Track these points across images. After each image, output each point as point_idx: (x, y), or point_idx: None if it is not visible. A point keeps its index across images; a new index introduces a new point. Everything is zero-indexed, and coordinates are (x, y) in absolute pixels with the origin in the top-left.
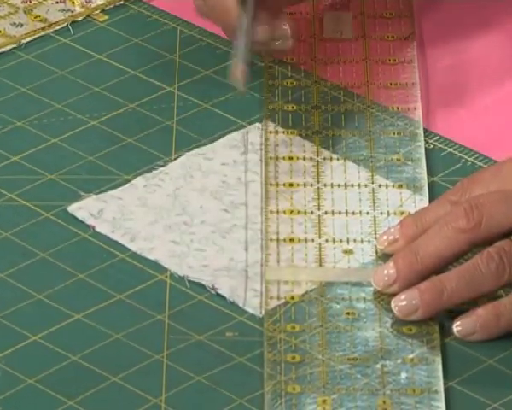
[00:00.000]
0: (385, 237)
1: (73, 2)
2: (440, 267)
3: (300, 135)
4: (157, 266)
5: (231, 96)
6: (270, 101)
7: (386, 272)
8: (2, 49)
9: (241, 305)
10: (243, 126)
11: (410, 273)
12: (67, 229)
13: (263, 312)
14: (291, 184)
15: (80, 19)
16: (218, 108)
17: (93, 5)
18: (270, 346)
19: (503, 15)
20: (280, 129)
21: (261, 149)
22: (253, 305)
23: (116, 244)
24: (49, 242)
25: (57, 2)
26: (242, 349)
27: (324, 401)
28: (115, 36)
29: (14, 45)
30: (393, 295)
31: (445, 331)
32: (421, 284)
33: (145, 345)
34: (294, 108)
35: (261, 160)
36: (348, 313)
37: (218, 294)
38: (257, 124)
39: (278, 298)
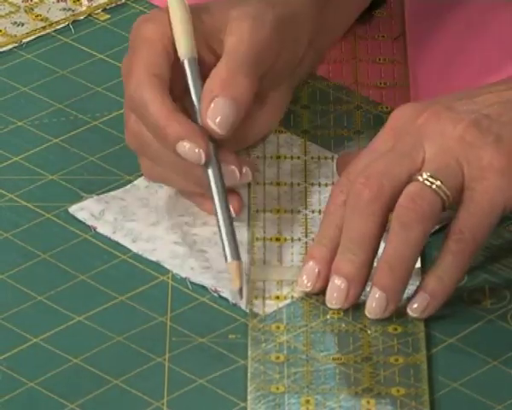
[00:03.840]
0: (305, 281)
1: (75, 2)
2: (376, 247)
3: (288, 134)
4: (159, 268)
5: None
6: None
7: (336, 286)
8: (3, 49)
9: (243, 307)
10: None
11: (357, 274)
12: (68, 230)
13: (248, 310)
14: (278, 183)
15: (81, 18)
16: None
17: (94, 4)
18: (254, 345)
19: (497, 15)
20: None
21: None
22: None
23: (117, 245)
24: (50, 243)
25: (58, 1)
26: (245, 352)
27: (308, 401)
28: (117, 35)
29: (15, 44)
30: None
31: (448, 333)
32: (373, 280)
33: (147, 347)
34: None
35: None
36: (333, 313)
37: (220, 296)
38: None
39: (264, 298)
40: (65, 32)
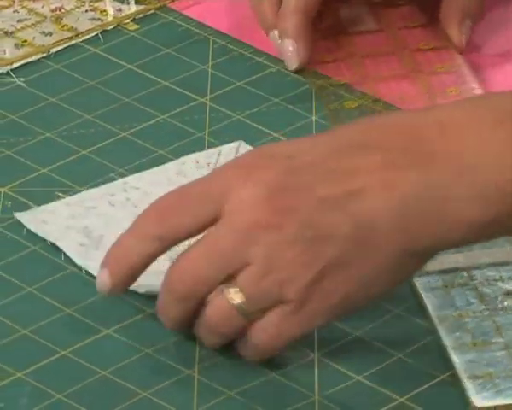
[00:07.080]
0: None
1: (103, 12)
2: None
3: None
4: None
5: (264, 108)
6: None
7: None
8: (32, 59)
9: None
10: (276, 138)
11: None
12: None
13: None
14: None
15: (110, 28)
16: (251, 119)
17: (123, 14)
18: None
19: None
20: None
21: None
22: None
23: None
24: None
25: (87, 11)
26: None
27: None
28: (146, 45)
29: (44, 55)
30: None
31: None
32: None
33: (175, 360)
34: None
35: None
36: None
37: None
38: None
39: None
40: (94, 42)
